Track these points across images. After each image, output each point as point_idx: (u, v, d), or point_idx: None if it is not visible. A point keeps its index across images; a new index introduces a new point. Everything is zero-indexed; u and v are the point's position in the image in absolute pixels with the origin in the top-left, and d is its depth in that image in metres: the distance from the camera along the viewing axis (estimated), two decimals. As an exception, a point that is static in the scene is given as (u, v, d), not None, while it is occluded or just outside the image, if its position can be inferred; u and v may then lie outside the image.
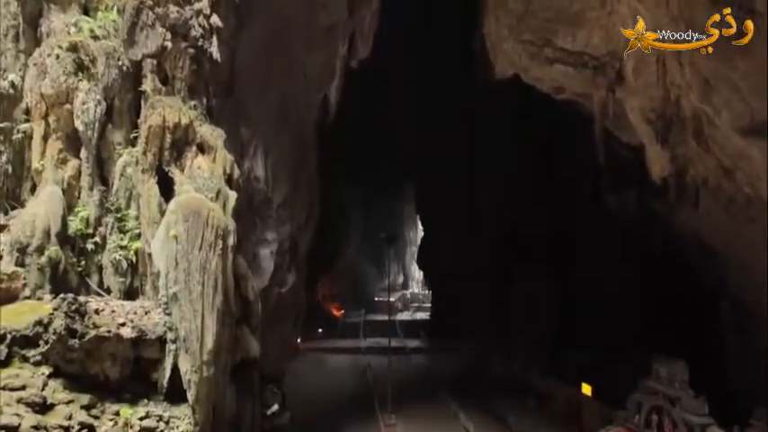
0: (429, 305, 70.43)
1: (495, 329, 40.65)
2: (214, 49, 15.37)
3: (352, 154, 53.85)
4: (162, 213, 12.90)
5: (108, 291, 13.13)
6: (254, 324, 14.65)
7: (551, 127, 35.49)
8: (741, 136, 15.55)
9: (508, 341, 38.08)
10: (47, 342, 10.48)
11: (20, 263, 12.18)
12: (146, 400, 11.38)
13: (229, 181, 14.51)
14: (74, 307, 10.70)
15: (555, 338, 34.04)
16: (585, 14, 20.01)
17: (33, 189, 13.56)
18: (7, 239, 12.33)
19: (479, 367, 40.45)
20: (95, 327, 10.89)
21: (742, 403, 18.25)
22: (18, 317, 10.93)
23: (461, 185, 49.52)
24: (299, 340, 44.82)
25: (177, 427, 11.17)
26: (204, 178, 13.67)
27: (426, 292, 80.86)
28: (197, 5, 14.91)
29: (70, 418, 10.08)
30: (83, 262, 13.21)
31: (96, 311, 11.47)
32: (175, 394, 11.62)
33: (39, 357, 10.52)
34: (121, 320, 11.53)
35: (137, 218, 13.46)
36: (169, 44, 14.24)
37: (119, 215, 13.54)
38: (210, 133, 14.56)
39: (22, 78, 13.81)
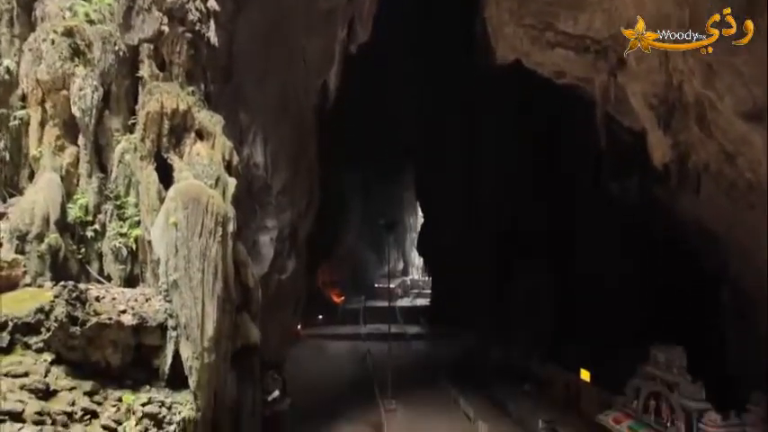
0: (429, 291, 70.73)
1: (495, 316, 40.85)
2: (211, 34, 15.16)
3: (351, 140, 53.57)
4: (161, 200, 12.84)
5: (108, 278, 13.13)
6: (255, 311, 14.70)
7: (552, 114, 35.22)
8: (743, 121, 15.44)
9: (508, 327, 38.28)
10: (48, 329, 10.50)
11: (20, 250, 12.15)
12: (148, 387, 11.45)
13: (229, 168, 14.42)
14: (74, 294, 10.70)
15: (554, 333, 34.22)
16: (587, -2, 19.72)
17: (31, 176, 13.47)
18: (6, 227, 12.28)
19: (479, 353, 40.74)
20: (96, 314, 10.90)
21: (740, 389, 18.39)
22: (19, 304, 10.94)
23: (461, 172, 49.39)
24: (299, 327, 45.09)
25: (179, 413, 11.24)
26: (203, 165, 13.58)
27: (426, 278, 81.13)
28: (193, -11, 14.67)
29: (73, 404, 10.14)
30: (83, 249, 13.19)
31: (97, 299, 11.48)
32: (177, 380, 11.68)
33: (41, 344, 10.54)
34: (122, 308, 11.54)
35: (136, 205, 13.40)
36: (166, 28, 14.04)
37: (118, 202, 13.48)
38: (209, 119, 14.43)
39: (18, 64, 13.65)
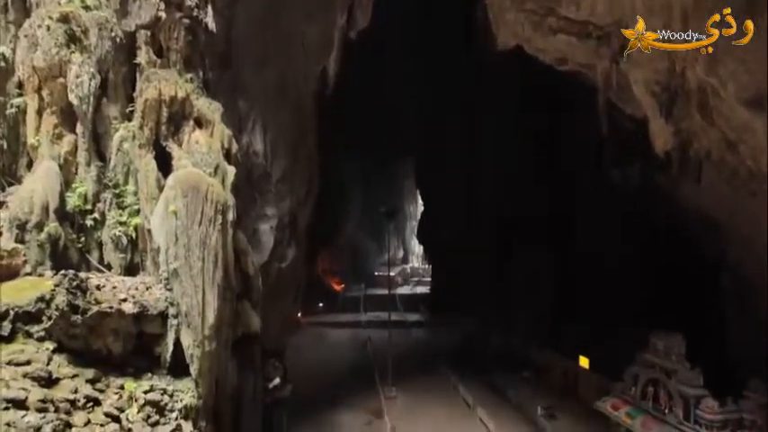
0: (429, 279, 71.00)
1: (495, 304, 41.01)
2: (209, 20, 14.99)
3: (351, 128, 53.32)
4: (160, 189, 12.79)
5: (108, 267, 13.13)
6: (255, 299, 14.73)
7: (553, 101, 34.99)
8: (746, 108, 15.30)
9: (508, 315, 38.47)
10: (50, 318, 10.51)
11: (19, 239, 12.12)
12: (149, 374, 11.51)
13: (228, 156, 14.35)
14: (75, 283, 10.69)
15: (554, 313, 34.36)
16: (590, -18, 19.41)
17: (30, 165, 13.39)
18: (6, 216, 12.24)
19: (479, 341, 41.00)
20: (97, 303, 10.91)
21: (739, 375, 18.49)
22: (20, 293, 10.94)
23: (461, 160, 49.20)
24: (299, 315, 45.35)
25: (181, 400, 11.32)
26: (202, 153, 13.51)
27: (426, 266, 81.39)
28: (191, -26, 14.46)
29: (76, 391, 10.19)
30: (82, 238, 13.16)
31: (98, 287, 11.49)
32: (178, 368, 11.75)
33: (42, 333, 10.56)
34: (123, 296, 11.56)
35: (135, 193, 13.35)
36: (163, 14, 13.87)
37: (117, 191, 13.42)
38: (208, 107, 14.33)
39: (13, 51, 13.49)
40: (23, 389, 9.45)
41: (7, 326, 10.37)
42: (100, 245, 13.31)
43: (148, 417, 10.72)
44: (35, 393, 9.49)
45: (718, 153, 18.52)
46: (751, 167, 17.35)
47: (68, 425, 9.47)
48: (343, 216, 65.39)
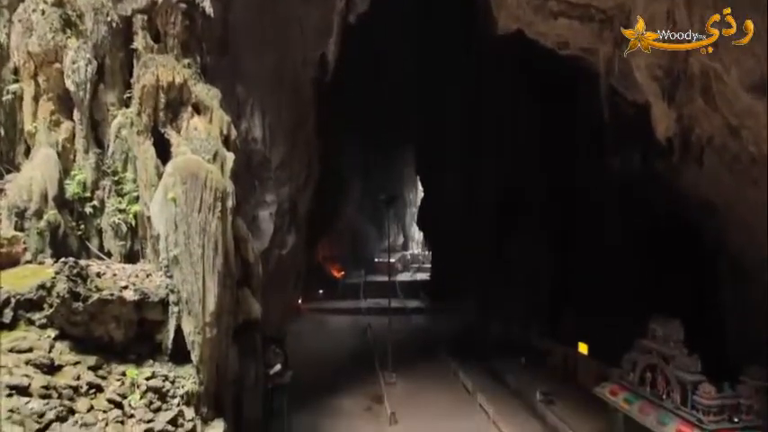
0: (429, 266, 71.22)
1: (495, 290, 41.17)
2: (206, 4, 14.77)
3: (351, 113, 52.95)
4: (159, 176, 12.73)
5: (108, 254, 13.11)
6: (255, 286, 14.76)
7: (554, 86, 34.70)
8: (749, 93, 15.19)
9: (507, 302, 38.63)
10: (51, 305, 10.53)
11: (19, 227, 12.10)
12: (151, 361, 11.57)
13: (226, 142, 14.25)
14: (75, 271, 10.69)
15: (554, 300, 34.51)
16: (593, -36, 19.16)
17: (27, 152, 13.30)
18: (5, 204, 12.20)
19: (479, 327, 41.23)
20: (98, 290, 10.92)
21: (736, 361, 18.60)
22: (21, 281, 10.95)
23: (461, 146, 49.00)
24: (300, 301, 45.54)
25: (182, 387, 11.39)
26: (201, 139, 13.41)
27: (426, 253, 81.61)
28: (186, -44, 14.20)
29: (78, 378, 10.26)
30: (82, 226, 13.13)
31: (98, 275, 11.49)
32: (179, 355, 11.81)
33: (44, 320, 10.59)
34: (123, 283, 11.57)
35: (134, 181, 13.28)
36: (159, -2, 13.66)
37: (116, 178, 13.35)
38: (206, 93, 14.19)
39: (8, 36, 13.31)
40: (26, 376, 9.50)
41: (9, 313, 10.39)
42: (99, 232, 13.28)
43: (150, 403, 10.80)
44: (38, 380, 9.55)
45: (720, 139, 18.42)
46: (753, 153, 17.28)
47: (71, 411, 9.55)
48: (343, 203, 65.35)
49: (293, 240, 26.71)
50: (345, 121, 51.41)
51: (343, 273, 68.15)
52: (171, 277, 11.93)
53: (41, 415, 8.95)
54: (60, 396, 9.60)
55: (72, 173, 13.10)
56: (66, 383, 9.93)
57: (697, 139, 19.36)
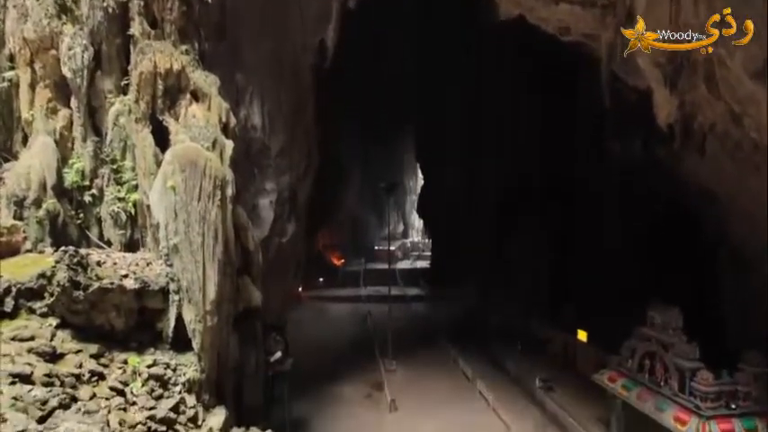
0: (429, 254, 71.32)
1: (495, 277, 41.29)
2: (204, -11, 14.57)
3: (350, 100, 52.60)
4: (158, 164, 12.66)
5: (108, 243, 13.10)
6: (255, 274, 14.77)
7: (555, 72, 34.43)
8: (753, 80, 15.05)
9: (507, 289, 38.75)
10: (51, 294, 10.54)
11: (18, 216, 12.07)
12: (152, 349, 11.62)
13: (225, 130, 14.15)
14: (75, 259, 10.67)
15: (554, 287, 34.59)
16: (596, -52, 18.87)
17: (25, 140, 13.21)
18: (3, 193, 12.15)
19: (478, 314, 41.40)
20: (98, 279, 10.92)
21: (736, 349, 18.67)
22: (21, 270, 10.95)
23: (461, 133, 48.77)
24: (300, 289, 45.70)
25: (184, 374, 11.46)
26: (199, 127, 13.31)
27: (426, 240, 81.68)
28: (183, -60, 13.97)
29: (80, 366, 10.30)
30: (81, 215, 13.09)
31: (98, 263, 11.49)
32: (180, 343, 11.86)
33: (45, 309, 10.62)
34: (124, 272, 11.57)
35: (133, 169, 13.21)
36: (156, -17, 13.46)
37: (114, 166, 13.28)
38: (204, 80, 14.05)
39: (3, 22, 13.13)
40: (28, 364, 9.54)
41: (10, 302, 10.41)
42: (99, 221, 13.25)
43: (152, 390, 10.86)
44: (40, 368, 9.59)
45: (722, 126, 18.29)
46: (755, 140, 17.17)
47: (74, 398, 9.60)
48: (343, 190, 65.22)
49: (293, 228, 26.70)
50: (345, 108, 51.10)
51: (343, 261, 68.27)
52: (171, 266, 11.93)
53: (44, 402, 9.00)
54: (63, 384, 9.65)
55: (70, 161, 13.03)
56: (68, 371, 9.98)
57: (699, 127, 19.23)
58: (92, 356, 10.63)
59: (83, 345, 10.69)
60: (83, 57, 12.86)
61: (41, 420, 8.74)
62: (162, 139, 13.20)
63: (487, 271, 42.73)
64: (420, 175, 75.43)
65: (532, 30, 24.57)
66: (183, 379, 11.39)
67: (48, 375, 9.55)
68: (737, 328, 20.90)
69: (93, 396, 10.00)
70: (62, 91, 13.19)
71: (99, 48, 13.29)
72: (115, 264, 11.81)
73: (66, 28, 12.90)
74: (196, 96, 13.87)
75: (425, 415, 24.33)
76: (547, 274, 35.61)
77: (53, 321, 10.61)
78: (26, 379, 9.28)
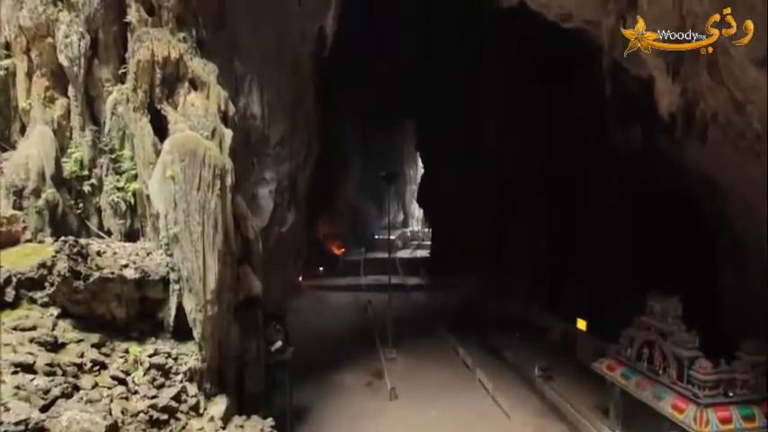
0: (429, 243, 71.41)
1: (495, 267, 41.35)
2: (201, -24, 14.37)
3: (350, 89, 52.26)
4: (157, 153, 12.60)
5: (108, 233, 13.08)
6: (256, 263, 14.78)
7: (555, 60, 34.16)
8: (757, 67, 14.90)
9: (507, 278, 38.82)
10: (52, 284, 10.56)
11: (17, 206, 12.04)
12: (153, 338, 11.68)
13: (224, 119, 14.06)
14: (76, 249, 10.67)
15: (554, 276, 34.65)
16: (598, -68, 18.60)
17: (23, 129, 13.14)
18: (2, 182, 12.10)
19: (478, 303, 41.53)
20: (99, 268, 10.92)
21: (733, 337, 18.75)
22: (21, 259, 10.95)
23: (461, 122, 48.54)
24: (300, 278, 45.80)
25: (185, 363, 11.52)
26: (198, 116, 13.23)
27: (426, 229, 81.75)
28: (180, -75, 13.75)
29: (82, 356, 10.36)
30: (81, 204, 13.07)
31: (98, 253, 11.48)
32: (181, 332, 11.90)
33: (46, 299, 10.64)
34: (124, 262, 11.57)
35: (132, 158, 13.16)
36: (152, -31, 13.28)
37: (113, 156, 13.23)
38: (202, 68, 13.93)
39: (-2, 10, 12.98)
40: (30, 353, 9.59)
41: (11, 292, 10.43)
42: (99, 211, 13.23)
43: (154, 379, 10.93)
44: (42, 358, 9.63)
45: (724, 114, 18.16)
46: (758, 130, 17.06)
47: (76, 387, 9.65)
48: (343, 180, 65.11)
49: (293, 218, 26.66)
50: (345, 97, 50.79)
51: (343, 250, 68.36)
52: (171, 255, 11.93)
53: (47, 391, 9.05)
54: (65, 373, 9.70)
55: (69, 151, 12.98)
56: (70, 361, 10.03)
57: (701, 115, 19.08)
58: (93, 346, 10.68)
59: (84, 334, 10.73)
60: (79, 45, 12.74)
61: (44, 409, 8.79)
62: (160, 128, 13.12)
63: (487, 260, 42.78)
64: (420, 165, 75.26)
65: (533, 17, 24.32)
66: (184, 368, 11.46)
67: (50, 365, 9.60)
68: (737, 317, 20.95)
69: (96, 385, 10.06)
70: (59, 80, 13.08)
71: (96, 35, 13.16)
72: (115, 253, 11.81)
73: (62, 15, 12.76)
74: (194, 85, 13.76)
75: (425, 403, 24.51)
76: (546, 263, 35.65)
77: (54, 311, 10.65)
78: (28, 368, 9.33)
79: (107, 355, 10.79)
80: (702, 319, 19.03)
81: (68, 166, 12.79)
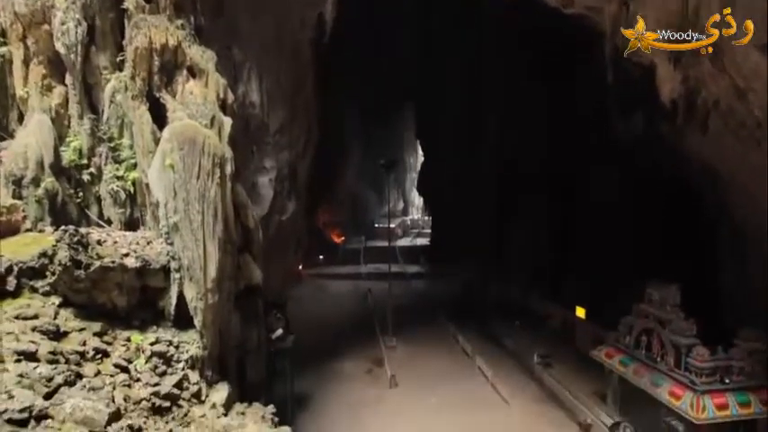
0: (429, 231, 71.50)
1: (495, 255, 41.42)
2: (198, -39, 14.18)
3: (350, 76, 51.87)
4: (156, 142, 12.53)
5: (108, 222, 13.07)
6: (256, 252, 14.79)
7: (556, 48, 33.84)
8: (760, 53, 14.79)
9: (507, 266, 38.92)
10: (53, 273, 10.57)
11: (17, 195, 12.02)
12: (155, 327, 11.72)
13: (223, 107, 13.97)
14: (76, 238, 10.67)
15: (554, 264, 34.72)
16: None
17: (20, 118, 13.06)
18: (1, 171, 12.07)
19: (478, 292, 41.70)
20: (99, 257, 10.93)
21: (731, 325, 18.85)
22: (22, 249, 10.95)
23: (462, 110, 48.27)
24: (300, 267, 45.91)
25: (187, 351, 11.58)
26: (197, 104, 13.14)
27: (426, 218, 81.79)
28: None
29: (84, 344, 10.41)
30: (80, 193, 13.04)
31: (99, 242, 11.48)
32: (182, 320, 11.95)
33: (47, 288, 10.66)
34: (124, 251, 11.57)
35: (131, 147, 13.09)
36: (149, -45, 13.09)
37: (112, 144, 13.16)
38: (201, 55, 13.80)
39: (-7, -4, 12.82)
40: (33, 342, 9.63)
41: (12, 281, 10.44)
42: (98, 200, 13.20)
43: (156, 367, 11.00)
44: (45, 346, 9.68)
45: (726, 101, 18.06)
46: (759, 117, 16.98)
47: (79, 375, 9.71)
48: (343, 167, 64.96)
49: (293, 206, 26.62)
50: (345, 84, 50.42)
51: (343, 238, 68.48)
52: (172, 244, 11.93)
53: (50, 379, 9.11)
54: (67, 361, 9.76)
55: (67, 139, 12.91)
56: (72, 349, 10.08)
57: (702, 102, 18.98)
58: (95, 334, 10.73)
59: (86, 323, 10.77)
60: (76, 32, 12.60)
61: (47, 396, 8.85)
62: (159, 116, 13.04)
63: (487, 248, 42.84)
64: (420, 153, 75.03)
65: (535, 4, 24.03)
66: (185, 356, 11.53)
67: (52, 353, 9.65)
68: (737, 307, 21.03)
69: (98, 373, 10.12)
70: (56, 67, 12.96)
71: (92, 22, 13.02)
72: (116, 242, 11.81)
73: (58, 1, 12.60)
74: (193, 73, 13.65)
75: (425, 390, 24.73)
76: (546, 252, 35.69)
77: (56, 300, 10.67)
78: (31, 356, 9.38)
79: (109, 344, 10.84)
80: (702, 309, 19.11)
81: (67, 155, 12.73)
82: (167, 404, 10.64)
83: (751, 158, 18.49)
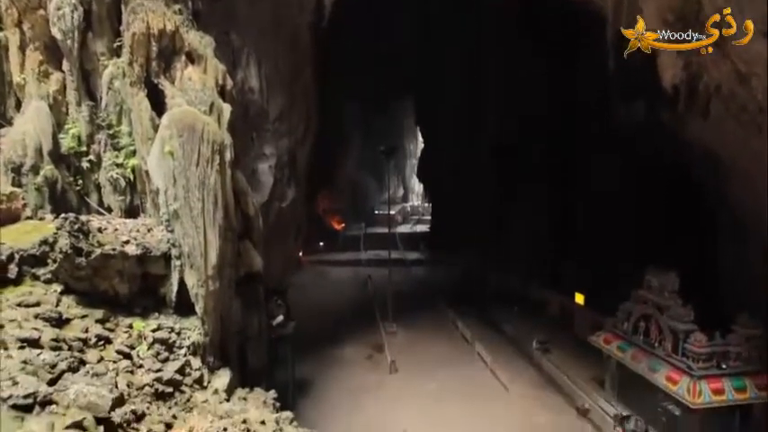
0: (429, 218, 71.50)
1: (495, 241, 41.45)
2: (195, -56, 13.97)
3: (349, 62, 51.38)
4: (155, 128, 12.48)
5: (108, 209, 13.09)
6: (256, 238, 14.83)
7: (558, 33, 33.48)
8: (763, 38, 14.64)
9: (507, 253, 38.96)
10: (54, 261, 10.61)
11: (16, 183, 12.01)
12: (156, 314, 11.80)
13: (222, 93, 13.89)
14: (77, 226, 10.68)
15: (554, 251, 34.77)
16: None
17: (18, 105, 12.99)
18: (0, 159, 12.04)
19: (478, 278, 41.83)
20: (100, 245, 10.96)
21: (729, 311, 18.94)
22: (23, 236, 10.97)
23: (461, 96, 47.91)
24: (300, 254, 45.99)
25: (188, 338, 11.68)
26: (196, 90, 13.05)
27: (426, 204, 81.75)
28: None
29: (87, 331, 10.48)
30: (80, 181, 13.04)
31: (99, 230, 11.50)
32: (183, 307, 12.02)
33: (48, 275, 10.70)
34: (125, 238, 11.60)
35: (130, 134, 13.05)
36: (145, -62, 12.88)
37: (111, 131, 13.11)
38: (199, 41, 13.68)
39: (-12, -19, 12.66)
40: (36, 329, 9.69)
41: (14, 269, 10.48)
42: (98, 187, 13.20)
43: (158, 353, 11.09)
44: (47, 333, 9.74)
45: (728, 86, 17.93)
46: (761, 102, 16.87)
47: (82, 362, 9.79)
48: (343, 154, 64.71)
49: (293, 193, 26.59)
50: (344, 72, 49.98)
51: (343, 225, 68.50)
52: (172, 231, 11.95)
53: (53, 366, 9.18)
54: (70, 348, 9.83)
55: (66, 126, 12.88)
56: (75, 336, 10.16)
57: (704, 87, 18.84)
58: (97, 321, 10.80)
59: (88, 310, 10.84)
60: (72, 17, 12.48)
61: (51, 383, 8.93)
62: (158, 102, 12.97)
63: (487, 235, 42.87)
64: (420, 139, 74.70)
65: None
66: (187, 342, 11.62)
67: (55, 340, 9.72)
68: (736, 294, 21.11)
69: (101, 359, 10.21)
70: (53, 53, 12.86)
71: (89, 7, 12.88)
72: (116, 230, 11.83)
73: (53, -14, 12.46)
74: (191, 58, 13.54)
75: (425, 376, 24.95)
76: (546, 238, 35.72)
77: (57, 287, 10.72)
78: (34, 343, 9.45)
79: (111, 330, 10.92)
80: (702, 295, 19.19)
81: (66, 142, 12.70)
82: (170, 390, 10.76)
83: (752, 144, 18.42)
